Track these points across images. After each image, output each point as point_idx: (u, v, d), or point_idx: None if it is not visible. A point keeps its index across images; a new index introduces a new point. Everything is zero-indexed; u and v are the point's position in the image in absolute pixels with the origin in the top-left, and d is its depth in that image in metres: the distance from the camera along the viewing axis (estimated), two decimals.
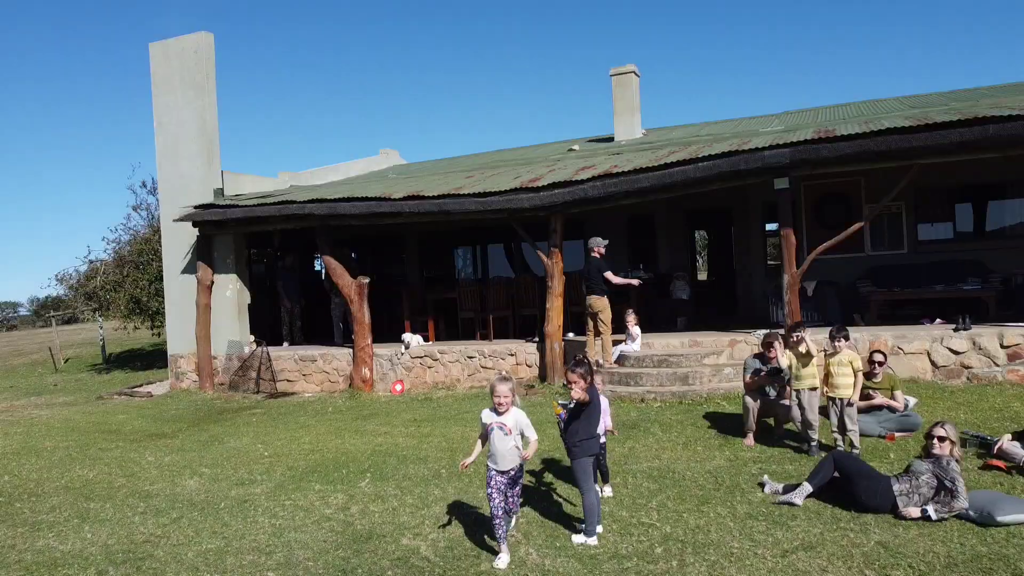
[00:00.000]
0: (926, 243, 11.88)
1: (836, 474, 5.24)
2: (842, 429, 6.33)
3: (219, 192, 12.86)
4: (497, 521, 4.48)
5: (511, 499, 4.63)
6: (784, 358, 6.95)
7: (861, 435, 6.49)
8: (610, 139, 16.39)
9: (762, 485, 5.63)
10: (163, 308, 16.31)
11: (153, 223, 18.13)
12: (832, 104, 16.36)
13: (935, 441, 5.06)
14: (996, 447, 5.81)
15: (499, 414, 4.52)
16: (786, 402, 6.88)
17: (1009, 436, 5.87)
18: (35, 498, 6.82)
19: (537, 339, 10.84)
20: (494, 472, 4.53)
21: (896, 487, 4.93)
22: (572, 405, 4.80)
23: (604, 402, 5.46)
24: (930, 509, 4.74)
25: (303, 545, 5.08)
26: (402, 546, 4.92)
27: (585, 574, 4.26)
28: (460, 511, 5.53)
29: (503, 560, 4.42)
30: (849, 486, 5.10)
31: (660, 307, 12.03)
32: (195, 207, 12.20)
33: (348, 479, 6.70)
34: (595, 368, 6.34)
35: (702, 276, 21.43)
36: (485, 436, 4.59)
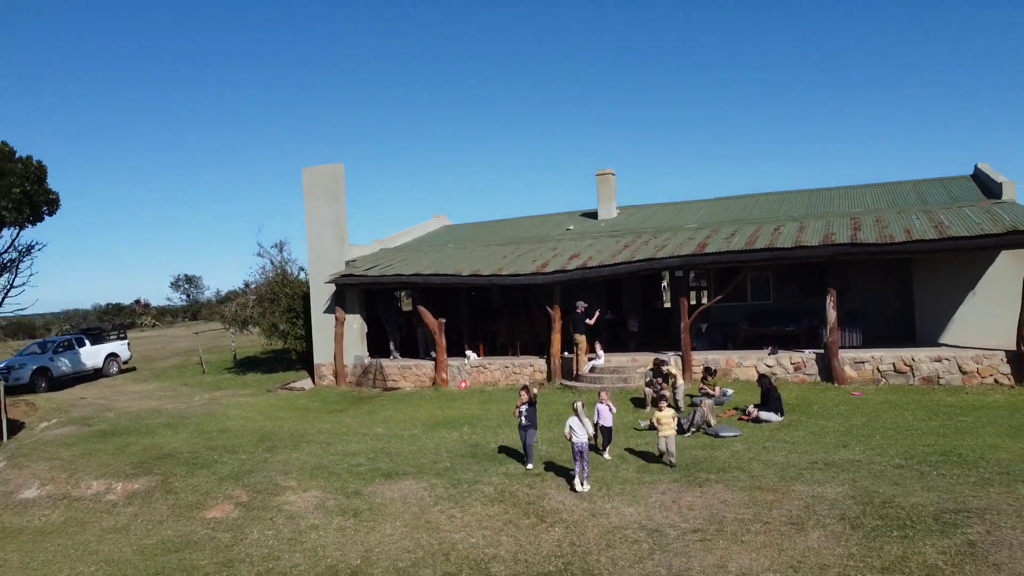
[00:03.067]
0: (785, 296, 19.06)
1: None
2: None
3: (349, 263, 20.27)
4: (580, 465, 9.62)
5: (585, 460, 9.64)
6: (675, 369, 14.27)
7: (696, 408, 13.80)
8: (595, 214, 23.65)
9: (642, 426, 12.92)
10: (292, 331, 23.73)
11: (277, 269, 25.55)
12: (751, 193, 23.22)
13: (702, 404, 12.33)
14: (746, 409, 13.08)
15: (581, 425, 9.71)
16: (665, 392, 14.16)
17: (752, 405, 13.12)
18: (306, 435, 14.21)
19: (545, 356, 18.13)
20: (578, 442, 9.60)
21: (683, 421, 12.22)
22: (526, 406, 11.70)
23: (605, 409, 12.08)
24: (688, 431, 12.00)
25: (449, 445, 12.43)
26: (492, 447, 12.26)
27: (541, 470, 11.53)
28: (514, 436, 12.85)
29: (585, 486, 9.55)
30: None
31: (621, 336, 19.32)
32: (341, 275, 19.62)
33: (456, 427, 14.03)
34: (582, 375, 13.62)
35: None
36: (568, 433, 9.75)
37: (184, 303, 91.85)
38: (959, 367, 14.52)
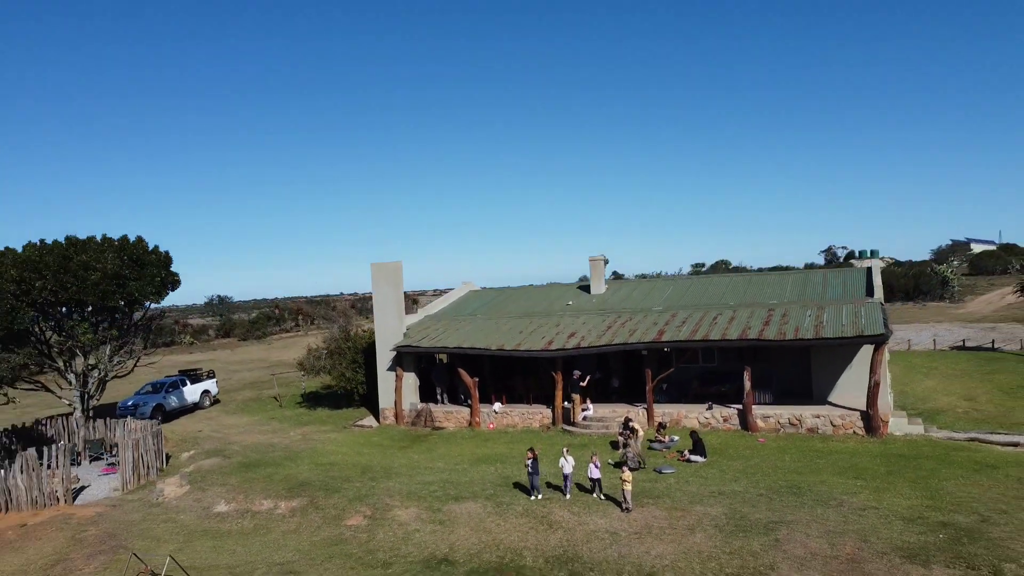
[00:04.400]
0: (726, 360, 25.55)
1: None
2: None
3: (406, 334, 26.91)
4: (566, 484, 17.02)
5: (569, 480, 16.97)
6: (637, 424, 20.88)
7: (652, 451, 20.35)
8: (588, 288, 30.24)
9: (611, 464, 19.49)
10: (355, 377, 30.31)
11: (342, 331, 32.16)
12: (707, 274, 29.92)
13: (631, 446, 18.93)
14: (683, 452, 19.64)
15: (567, 461, 16.86)
16: (629, 441, 20.73)
17: (687, 450, 19.67)
18: (392, 469, 20.82)
19: (551, 407, 24.70)
20: (565, 474, 16.81)
21: (629, 462, 18.79)
22: (531, 461, 18.23)
23: (594, 467, 18.75)
24: (632, 464, 18.55)
25: (490, 478, 19.04)
26: (516, 479, 18.86)
27: (547, 496, 18.12)
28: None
29: (568, 496, 17.05)
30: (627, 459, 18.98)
31: (606, 391, 25.89)
32: (401, 345, 26.23)
33: (492, 463, 20.63)
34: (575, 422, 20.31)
35: None
36: (561, 466, 16.91)
37: (219, 320, 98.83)
38: (831, 422, 21.08)
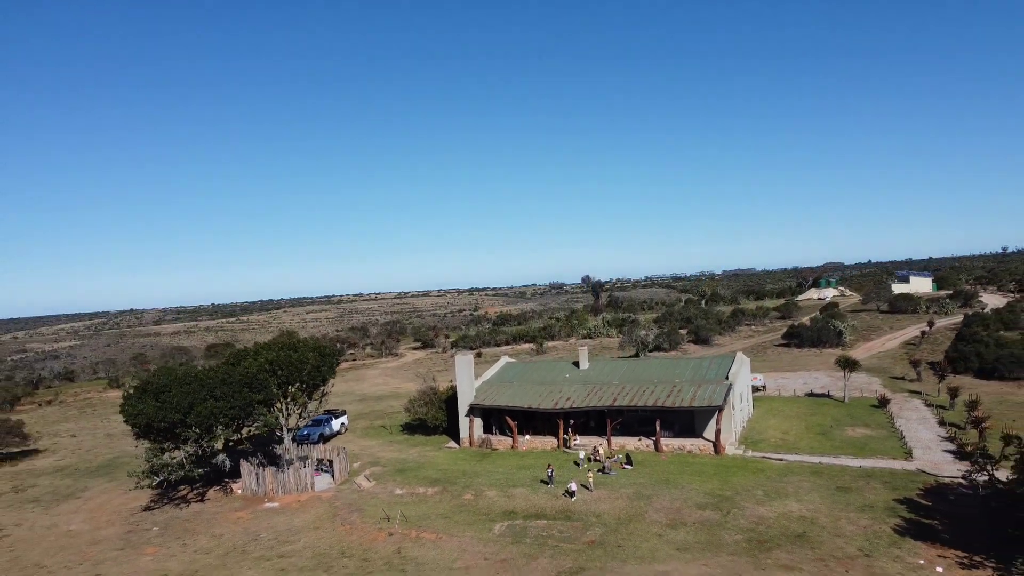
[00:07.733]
0: (652, 412, 44.18)
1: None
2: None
3: (475, 396, 45.67)
4: (581, 465, 36.71)
5: (582, 463, 36.68)
6: (602, 449, 39.71)
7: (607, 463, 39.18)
8: (578, 364, 49.09)
9: (593, 472, 38.28)
10: (439, 415, 49.08)
11: (431, 389, 50.84)
12: (641, 358, 48.60)
13: (600, 457, 37.72)
14: (623, 464, 38.35)
15: (577, 465, 36.72)
16: (598, 457, 39.44)
17: (624, 463, 38.33)
18: (476, 472, 39.62)
19: (556, 437, 43.37)
20: (579, 459, 36.77)
21: (605, 468, 37.63)
22: (551, 471, 36.93)
23: (573, 484, 37.54)
24: (603, 471, 37.40)
25: (527, 477, 37.82)
26: (541, 478, 37.62)
27: (556, 487, 36.84)
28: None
29: (583, 466, 36.57)
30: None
31: (587, 428, 44.56)
32: (472, 404, 44.99)
33: (527, 469, 39.37)
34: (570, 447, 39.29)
35: None
36: (579, 454, 36.98)
37: None
38: (699, 447, 39.75)
